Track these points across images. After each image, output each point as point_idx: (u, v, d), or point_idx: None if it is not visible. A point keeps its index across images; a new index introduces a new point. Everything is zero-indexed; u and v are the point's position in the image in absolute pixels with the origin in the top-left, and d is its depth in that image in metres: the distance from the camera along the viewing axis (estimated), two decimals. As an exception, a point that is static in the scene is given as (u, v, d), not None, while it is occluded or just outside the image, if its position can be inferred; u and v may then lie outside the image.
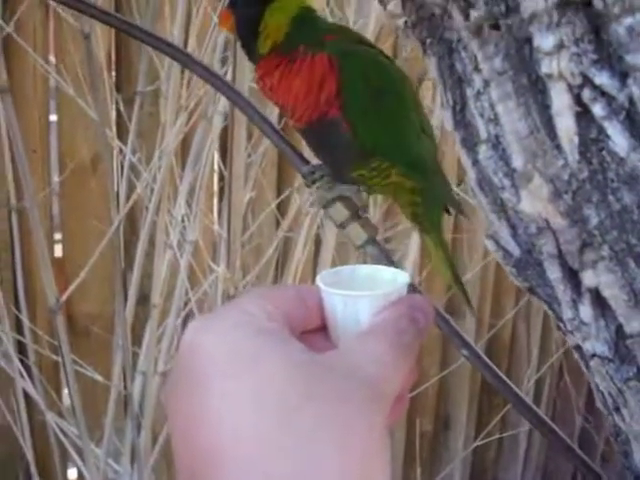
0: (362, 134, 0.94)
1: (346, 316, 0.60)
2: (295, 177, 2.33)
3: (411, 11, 0.61)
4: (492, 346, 3.08)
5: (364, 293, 0.60)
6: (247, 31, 0.93)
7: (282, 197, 2.49)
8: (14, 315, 2.34)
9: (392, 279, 0.63)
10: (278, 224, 2.51)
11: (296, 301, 0.59)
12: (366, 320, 0.59)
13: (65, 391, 2.55)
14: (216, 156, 2.36)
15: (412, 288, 0.93)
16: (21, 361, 2.21)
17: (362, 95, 0.93)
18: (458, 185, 2.35)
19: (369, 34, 1.87)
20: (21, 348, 2.31)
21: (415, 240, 2.17)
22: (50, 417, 2.13)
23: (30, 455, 2.24)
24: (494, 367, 1.00)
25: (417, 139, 1.01)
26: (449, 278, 1.13)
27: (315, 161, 1.02)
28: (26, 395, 2.25)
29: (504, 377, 1.00)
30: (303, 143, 1.07)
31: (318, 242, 2.31)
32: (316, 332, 0.61)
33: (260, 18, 0.92)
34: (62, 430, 2.16)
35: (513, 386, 1.00)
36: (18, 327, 2.36)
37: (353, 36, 1.00)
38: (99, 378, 2.02)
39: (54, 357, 2.27)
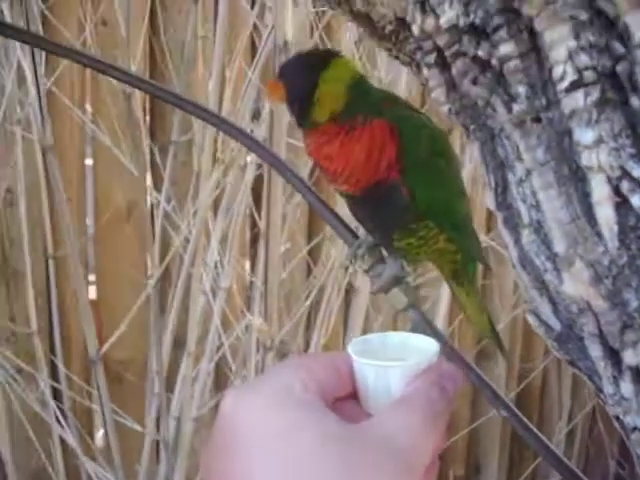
0: (419, 196, 0.96)
1: (377, 385, 0.61)
2: (326, 224, 2.36)
3: (454, 99, 0.64)
4: (523, 393, 3.07)
5: (395, 363, 0.62)
6: (300, 101, 0.94)
7: (313, 244, 2.52)
8: (50, 361, 2.38)
9: (422, 347, 0.65)
10: (309, 269, 2.55)
11: (330, 370, 0.62)
12: (397, 389, 0.61)
13: (98, 434, 2.58)
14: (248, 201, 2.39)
15: (444, 342, 0.96)
16: (56, 406, 2.25)
17: (419, 158, 0.96)
18: (487, 234, 2.38)
19: (401, 87, 1.92)
20: (55, 393, 2.35)
21: (447, 287, 2.18)
22: (85, 462, 2.16)
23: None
24: (524, 419, 1.01)
25: (461, 200, 1.04)
26: (485, 325, 1.14)
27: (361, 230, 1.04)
28: (61, 438, 2.28)
29: (535, 429, 1.01)
30: (336, 198, 1.10)
31: (349, 290, 2.33)
32: (348, 398, 0.63)
33: (314, 88, 0.92)
34: (96, 475, 2.18)
35: (544, 438, 1.01)
36: (53, 373, 2.40)
37: (400, 101, 1.04)
38: (137, 427, 2.04)
39: (89, 404, 2.30)
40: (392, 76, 2.02)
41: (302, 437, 0.54)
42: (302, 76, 0.94)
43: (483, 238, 2.36)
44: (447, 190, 1.02)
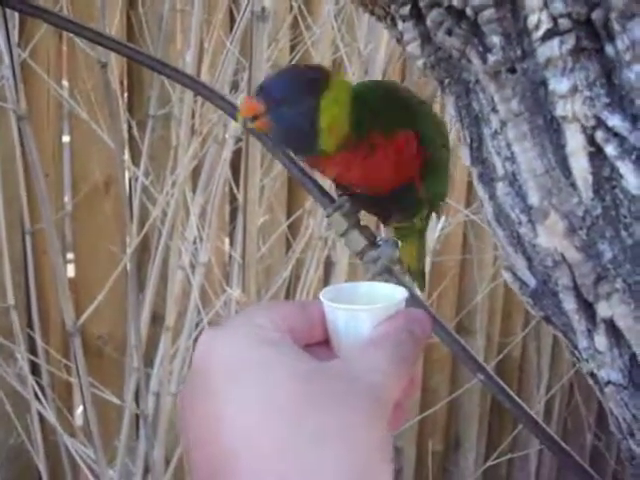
0: (430, 188, 0.96)
1: (348, 329, 0.63)
2: (306, 198, 2.36)
3: (430, 53, 0.63)
4: (502, 364, 3.10)
5: (365, 307, 0.64)
6: (298, 129, 0.84)
7: (293, 218, 2.52)
8: (27, 336, 2.36)
9: (391, 294, 0.67)
10: (288, 244, 2.54)
11: (300, 315, 0.63)
12: (367, 332, 0.63)
13: (77, 411, 2.57)
14: (227, 176, 2.38)
15: (423, 308, 0.96)
16: (35, 382, 2.24)
17: (436, 158, 0.94)
18: (467, 207, 2.38)
19: (380, 58, 1.90)
20: (34, 368, 2.34)
21: (426, 263, 2.19)
22: (65, 438, 2.15)
23: (45, 476, 2.26)
24: (505, 387, 1.02)
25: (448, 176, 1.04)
26: (416, 268, 1.13)
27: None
28: (40, 414, 2.27)
29: (516, 398, 1.01)
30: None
31: (328, 264, 2.34)
32: (319, 344, 0.65)
33: (314, 114, 0.83)
34: (75, 450, 2.18)
35: (526, 407, 1.02)
36: (31, 348, 2.38)
37: (400, 91, 0.98)
38: (116, 400, 2.03)
39: (68, 378, 2.29)
40: (371, 48, 2.00)
41: (273, 372, 0.55)
42: (297, 102, 0.83)
43: (463, 211, 2.37)
44: (447, 174, 1.01)
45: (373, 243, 0.98)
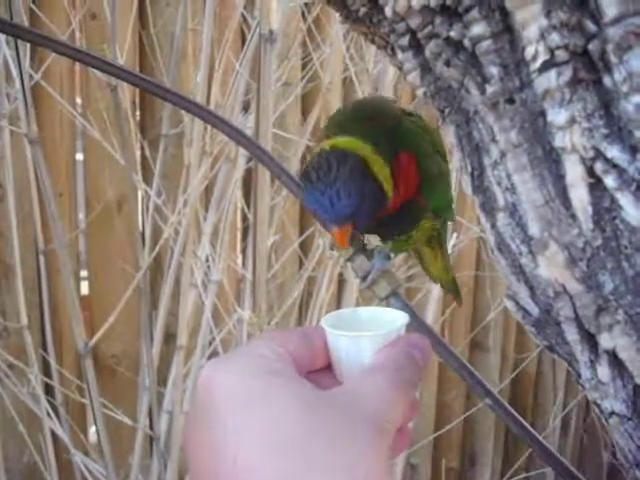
0: (430, 200, 0.98)
1: (349, 355, 0.64)
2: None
3: (429, 82, 0.63)
4: (517, 381, 3.08)
5: (366, 333, 0.65)
6: (373, 206, 0.88)
7: (304, 236, 2.52)
8: (41, 356, 2.37)
9: (392, 320, 0.68)
10: (300, 262, 2.54)
11: (303, 343, 0.64)
12: (368, 358, 0.64)
13: (91, 430, 2.58)
14: (239, 195, 2.39)
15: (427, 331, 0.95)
16: (48, 401, 2.25)
17: (431, 172, 0.96)
18: (479, 224, 2.37)
19: (388, 80, 1.91)
20: (47, 388, 2.34)
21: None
22: (78, 457, 2.16)
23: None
24: (513, 411, 1.01)
25: (449, 177, 1.05)
26: (449, 281, 1.17)
27: None
28: (52, 433, 2.28)
29: (524, 422, 1.01)
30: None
31: (340, 281, 2.33)
32: (322, 371, 0.66)
33: (379, 189, 0.87)
34: (88, 468, 2.18)
35: (533, 431, 1.01)
36: (45, 367, 2.39)
37: (392, 112, 1.01)
38: (128, 421, 2.03)
39: (81, 398, 2.30)
40: (380, 68, 2.00)
41: (276, 402, 0.56)
42: (368, 195, 0.86)
43: (476, 229, 2.36)
44: (446, 182, 1.03)
45: (363, 248, 1.00)
